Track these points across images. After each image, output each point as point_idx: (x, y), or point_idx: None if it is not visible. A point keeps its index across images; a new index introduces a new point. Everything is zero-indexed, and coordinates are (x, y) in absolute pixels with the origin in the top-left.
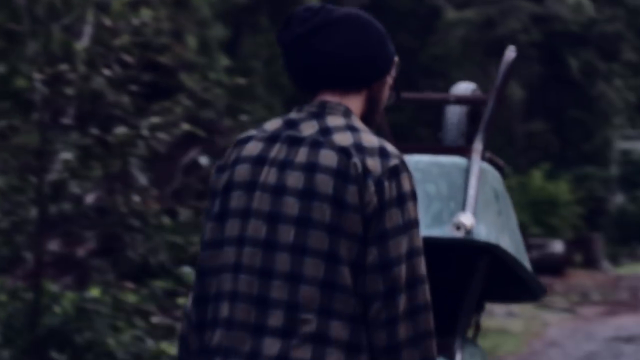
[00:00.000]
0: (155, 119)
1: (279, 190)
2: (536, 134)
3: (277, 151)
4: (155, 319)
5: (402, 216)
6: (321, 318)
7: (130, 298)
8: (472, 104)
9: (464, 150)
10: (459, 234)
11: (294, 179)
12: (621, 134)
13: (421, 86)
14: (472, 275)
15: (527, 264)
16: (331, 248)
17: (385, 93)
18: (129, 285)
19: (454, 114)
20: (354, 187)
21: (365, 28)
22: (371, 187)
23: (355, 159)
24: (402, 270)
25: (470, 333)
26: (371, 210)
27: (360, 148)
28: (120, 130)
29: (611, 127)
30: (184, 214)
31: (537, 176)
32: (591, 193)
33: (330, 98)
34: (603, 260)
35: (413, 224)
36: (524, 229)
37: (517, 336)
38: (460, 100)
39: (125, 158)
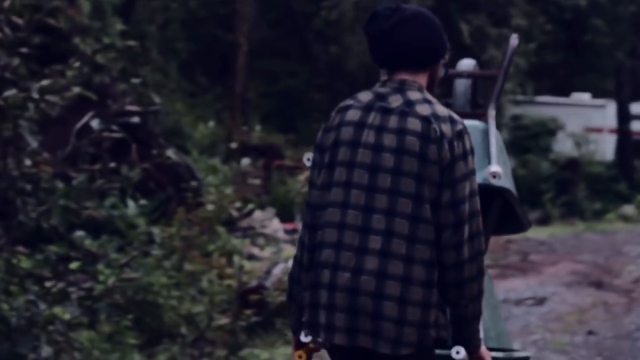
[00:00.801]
0: (46, 82)
1: (377, 148)
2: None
3: (373, 118)
4: (48, 284)
5: (465, 167)
6: (409, 243)
7: (24, 263)
8: (487, 78)
9: (481, 115)
10: (495, 181)
11: (389, 140)
12: (512, 99)
13: (315, 51)
14: (489, 212)
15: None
16: (417, 191)
17: (440, 71)
18: (22, 250)
19: (462, 85)
20: (434, 146)
21: (429, 24)
22: (445, 146)
23: (434, 125)
24: (466, 207)
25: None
26: (446, 163)
27: (436, 117)
28: (11, 93)
29: (502, 92)
30: (77, 178)
31: None
32: None
33: (405, 76)
34: None
35: (472, 172)
36: None
37: None
38: (480, 76)
39: (16, 121)
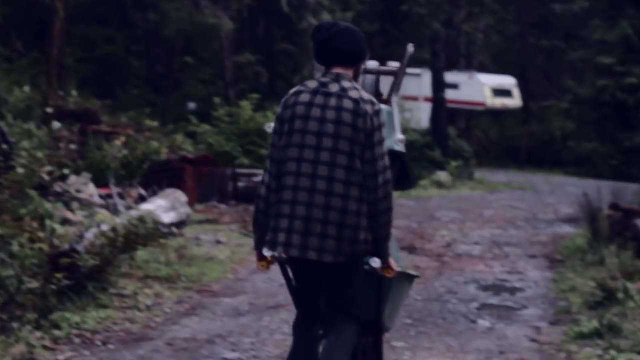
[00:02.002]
0: None
1: (322, 120)
2: (246, 66)
3: (319, 99)
4: None
5: (380, 135)
6: (346, 186)
7: None
8: (391, 75)
9: (387, 101)
10: (398, 147)
11: (331, 114)
12: None
13: (133, 18)
14: (392, 169)
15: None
16: (351, 149)
17: (361, 68)
18: None
19: (369, 80)
20: (361, 119)
21: (355, 36)
22: (368, 120)
23: (362, 105)
24: (380, 163)
25: None
26: (368, 131)
27: (363, 100)
28: None
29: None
30: None
31: (246, 107)
32: None
33: (339, 71)
34: None
35: (384, 140)
36: (233, 159)
37: (224, 263)
38: (385, 73)
39: None
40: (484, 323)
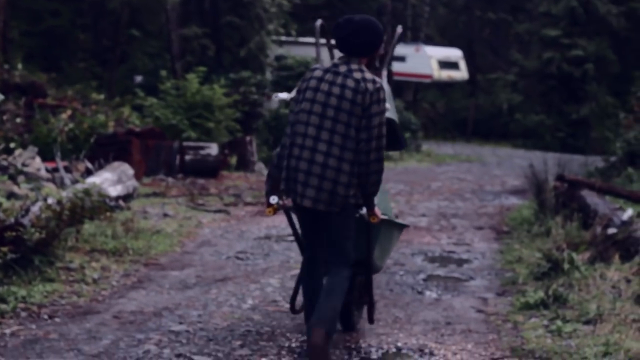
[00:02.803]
0: None
1: (328, 94)
2: (192, 39)
3: (328, 76)
4: None
5: (378, 108)
6: (341, 149)
7: None
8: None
9: (378, 74)
10: (390, 114)
11: (335, 90)
12: (276, 39)
13: None
14: None
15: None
16: (348, 120)
17: (377, 54)
18: None
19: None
20: (360, 95)
21: (372, 28)
22: (367, 96)
23: (362, 84)
24: (375, 131)
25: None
26: (366, 105)
27: (364, 79)
28: None
29: (265, 32)
30: None
31: (193, 80)
32: (247, 97)
33: (354, 58)
34: (257, 163)
35: (382, 112)
36: (180, 133)
37: (171, 236)
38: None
39: None
40: (430, 294)
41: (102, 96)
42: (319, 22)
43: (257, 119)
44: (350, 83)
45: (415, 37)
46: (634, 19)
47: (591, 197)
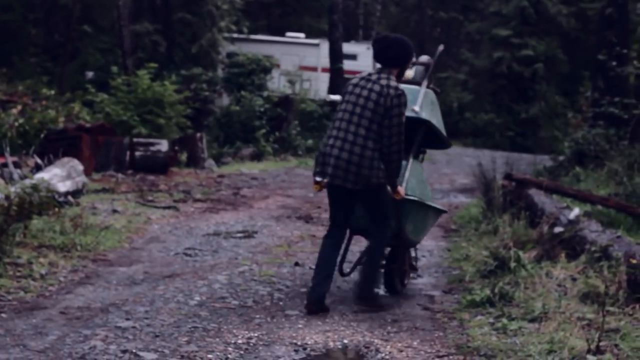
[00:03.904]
0: None
1: (359, 95)
2: (144, 35)
3: (362, 83)
4: None
5: (398, 110)
6: (365, 139)
7: None
8: (425, 66)
9: (418, 83)
10: (420, 115)
11: (364, 92)
12: (227, 36)
13: None
14: (417, 133)
15: (444, 132)
16: (372, 117)
17: (407, 66)
18: None
19: (419, 69)
20: (383, 98)
21: (403, 44)
22: (388, 99)
23: (385, 89)
24: (395, 128)
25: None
26: (387, 106)
27: (388, 85)
28: None
29: (217, 29)
30: None
31: (144, 76)
32: (197, 94)
33: (388, 69)
34: (207, 160)
35: (401, 114)
36: (131, 129)
37: (120, 232)
38: (421, 64)
39: None
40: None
41: (52, 92)
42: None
43: (208, 116)
44: (376, 88)
45: (367, 35)
46: (584, 19)
47: (538, 196)
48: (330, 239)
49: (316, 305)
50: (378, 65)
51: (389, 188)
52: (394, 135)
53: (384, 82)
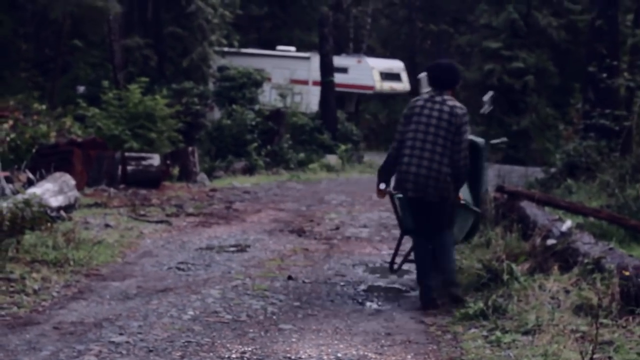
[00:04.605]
0: None
1: (429, 117)
2: (134, 49)
3: (429, 104)
4: None
5: (465, 129)
6: (440, 156)
7: None
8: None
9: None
10: (479, 140)
11: (435, 113)
12: (218, 50)
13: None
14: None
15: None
16: (445, 135)
17: (457, 87)
18: None
19: (487, 96)
20: (454, 118)
21: (452, 70)
22: (458, 119)
23: (453, 110)
24: (463, 144)
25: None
26: (457, 126)
27: (454, 106)
28: None
29: (208, 43)
30: None
31: (135, 91)
32: (189, 108)
33: (442, 90)
34: (199, 174)
35: (467, 131)
36: (122, 143)
37: (112, 247)
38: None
39: None
40: (371, 305)
41: (44, 106)
42: (491, 92)
43: (200, 130)
44: (445, 109)
45: (358, 48)
46: (574, 31)
47: (531, 208)
48: (420, 243)
49: (433, 302)
50: (426, 89)
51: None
52: (463, 150)
53: (450, 103)
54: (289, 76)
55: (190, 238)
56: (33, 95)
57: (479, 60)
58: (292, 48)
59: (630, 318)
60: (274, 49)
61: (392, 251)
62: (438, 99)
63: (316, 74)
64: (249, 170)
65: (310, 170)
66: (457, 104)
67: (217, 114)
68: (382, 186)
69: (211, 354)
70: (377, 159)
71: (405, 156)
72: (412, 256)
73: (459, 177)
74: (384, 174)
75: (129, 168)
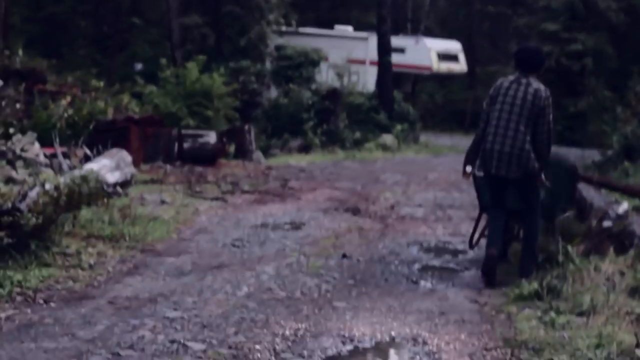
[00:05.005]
0: None
1: (514, 97)
2: (192, 28)
3: (514, 86)
4: None
5: (549, 109)
6: (523, 135)
7: None
8: None
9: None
10: None
11: (520, 94)
12: (276, 29)
13: None
14: None
15: None
16: (529, 115)
17: (542, 69)
18: None
19: None
20: (537, 99)
21: (539, 53)
22: (542, 100)
23: (539, 92)
24: (548, 124)
25: None
26: (542, 106)
27: (539, 88)
28: None
29: (266, 22)
30: None
31: (192, 69)
32: (246, 86)
33: (527, 73)
34: (255, 152)
35: (551, 111)
36: (179, 120)
37: (168, 223)
38: None
39: None
40: (425, 284)
41: (101, 83)
42: None
43: (256, 108)
44: (530, 90)
45: (415, 29)
46: (634, 14)
47: (587, 190)
48: (496, 216)
49: (493, 273)
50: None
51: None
52: (548, 129)
53: (535, 85)
54: (346, 56)
55: (245, 215)
56: (91, 72)
57: (537, 42)
58: (350, 28)
59: None
60: (331, 28)
61: (446, 231)
62: (523, 80)
63: (373, 54)
64: (305, 149)
65: (365, 150)
66: (542, 86)
67: (273, 92)
68: (469, 169)
69: (265, 330)
70: (434, 139)
71: (490, 134)
72: (487, 232)
73: (542, 155)
74: (471, 157)
75: (185, 145)
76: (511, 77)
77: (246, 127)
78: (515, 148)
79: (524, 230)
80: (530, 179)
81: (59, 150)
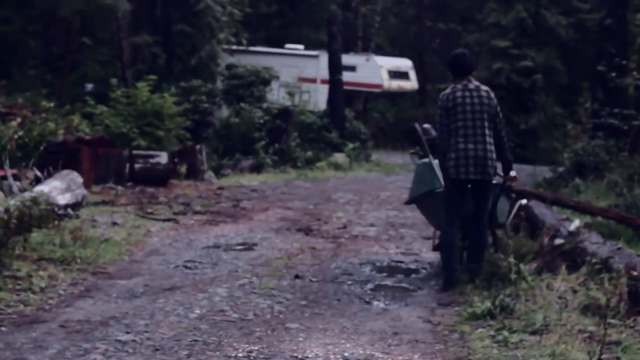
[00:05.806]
0: None
1: (472, 103)
2: (143, 47)
3: (467, 93)
4: None
5: (498, 105)
6: (489, 137)
7: None
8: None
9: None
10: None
11: (476, 99)
12: (227, 48)
13: None
14: None
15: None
16: (490, 117)
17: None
18: None
19: (428, 126)
20: (491, 100)
21: (470, 55)
22: (493, 100)
23: (489, 92)
24: (501, 121)
25: None
26: (494, 106)
27: (487, 89)
28: None
29: (217, 41)
30: None
31: (143, 89)
32: (197, 106)
33: (466, 77)
34: (207, 172)
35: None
36: (130, 141)
37: (119, 245)
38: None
39: None
40: (378, 304)
41: (52, 104)
42: (416, 124)
43: (207, 128)
44: (483, 93)
45: (366, 47)
46: (583, 30)
47: (539, 208)
48: (456, 229)
49: (454, 284)
50: (426, 136)
51: (512, 173)
52: (503, 127)
53: (483, 87)
54: (297, 74)
55: (198, 236)
56: (41, 92)
57: (487, 59)
58: (301, 46)
59: (638, 318)
60: (282, 47)
61: (399, 250)
62: (471, 86)
63: (324, 73)
64: (257, 169)
65: (317, 169)
66: (486, 87)
67: (225, 112)
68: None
69: (218, 352)
70: (385, 157)
71: (460, 143)
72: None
73: (505, 151)
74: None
75: (137, 166)
76: (459, 86)
77: (198, 147)
78: (487, 152)
79: (475, 232)
80: (491, 181)
81: (9, 172)
